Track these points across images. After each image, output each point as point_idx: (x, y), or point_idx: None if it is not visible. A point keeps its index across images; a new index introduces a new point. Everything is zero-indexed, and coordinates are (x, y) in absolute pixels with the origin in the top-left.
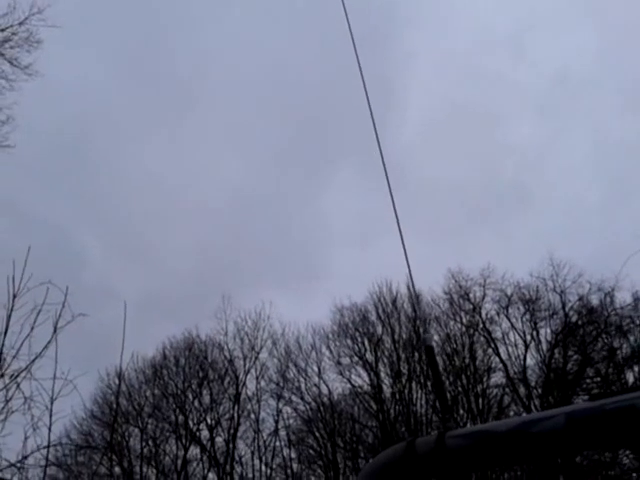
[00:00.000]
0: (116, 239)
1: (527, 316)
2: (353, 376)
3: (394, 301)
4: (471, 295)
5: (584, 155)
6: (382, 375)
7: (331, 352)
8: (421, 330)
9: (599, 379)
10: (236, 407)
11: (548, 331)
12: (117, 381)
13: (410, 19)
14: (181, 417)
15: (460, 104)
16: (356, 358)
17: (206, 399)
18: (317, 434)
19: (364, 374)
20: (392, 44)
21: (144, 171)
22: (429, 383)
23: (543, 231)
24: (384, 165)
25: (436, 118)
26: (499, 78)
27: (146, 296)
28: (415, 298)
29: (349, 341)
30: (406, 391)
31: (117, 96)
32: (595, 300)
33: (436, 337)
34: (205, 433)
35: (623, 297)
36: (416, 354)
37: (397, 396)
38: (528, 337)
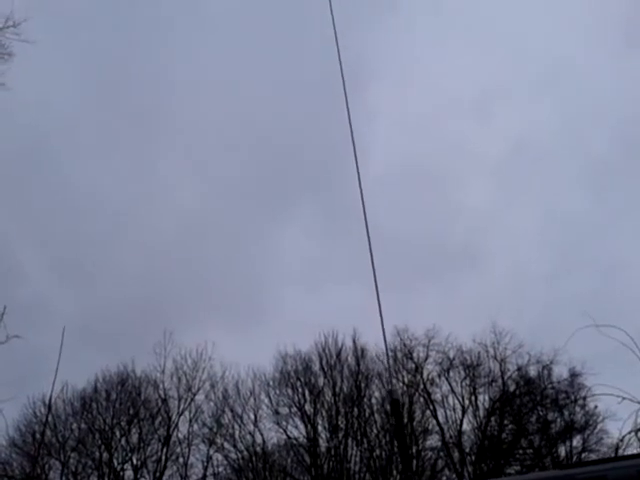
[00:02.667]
0: (58, 258)
1: (467, 381)
2: (290, 427)
3: (339, 353)
4: (414, 354)
5: (533, 225)
6: (319, 428)
7: (270, 400)
8: (388, 384)
9: (532, 451)
10: (165, 449)
11: (486, 398)
12: (43, 409)
13: (376, 75)
14: (106, 454)
15: (418, 162)
16: (295, 409)
17: (134, 438)
18: None
19: (301, 426)
20: (356, 97)
21: (96, 191)
22: (365, 440)
23: (488, 295)
24: (367, 226)
25: (393, 173)
26: (459, 141)
27: (83, 321)
28: (386, 350)
29: (289, 390)
30: (342, 447)
31: (79, 114)
32: (533, 371)
33: (377, 394)
34: (129, 473)
35: (560, 371)
36: (355, 410)
37: (332, 451)
38: (466, 402)
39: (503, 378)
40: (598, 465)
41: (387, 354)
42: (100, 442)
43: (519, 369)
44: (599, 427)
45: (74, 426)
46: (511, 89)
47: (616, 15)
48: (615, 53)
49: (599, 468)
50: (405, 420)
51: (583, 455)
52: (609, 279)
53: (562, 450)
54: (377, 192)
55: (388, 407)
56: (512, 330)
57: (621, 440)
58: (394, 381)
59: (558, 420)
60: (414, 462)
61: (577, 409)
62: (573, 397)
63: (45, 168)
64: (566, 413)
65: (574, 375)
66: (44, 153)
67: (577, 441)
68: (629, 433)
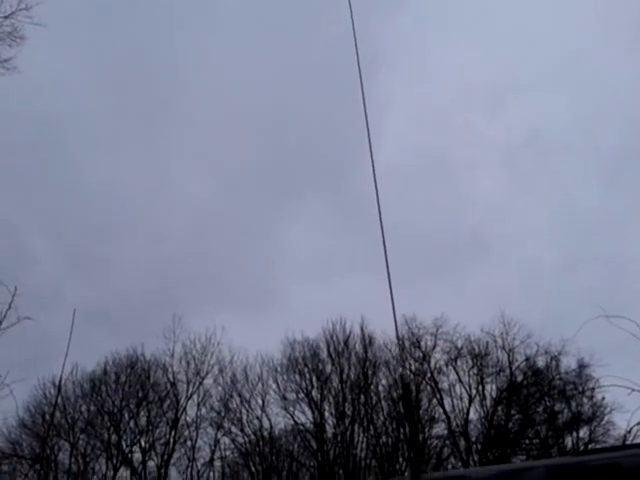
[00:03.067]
0: (70, 244)
1: (474, 370)
2: (297, 412)
3: (346, 341)
4: (422, 343)
5: (545, 216)
6: (326, 414)
7: (278, 385)
8: (399, 368)
9: (538, 441)
10: (173, 432)
11: (494, 387)
12: (53, 391)
13: (389, 67)
14: (114, 436)
15: (429, 153)
16: (302, 394)
17: (142, 420)
18: (253, 469)
19: (308, 411)
20: (371, 86)
21: (110, 179)
22: (372, 427)
23: (498, 286)
24: (380, 213)
25: (404, 163)
26: (471, 131)
27: (94, 306)
28: (397, 334)
29: (297, 376)
30: (348, 433)
31: (93, 102)
32: (541, 362)
33: (384, 381)
34: (138, 455)
35: (569, 362)
36: (362, 397)
37: (339, 437)
38: (473, 391)
39: (511, 368)
40: (612, 452)
41: (398, 338)
42: (109, 424)
43: (527, 359)
44: (606, 419)
45: (83, 408)
46: (524, 81)
47: (632, 10)
48: (627, 46)
49: (613, 455)
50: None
51: (590, 446)
52: (618, 272)
53: (569, 441)
54: (387, 183)
55: (395, 394)
56: (521, 320)
57: (629, 431)
58: (406, 366)
59: (565, 411)
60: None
61: (584, 400)
62: (581, 388)
63: (59, 154)
64: (573, 404)
65: (582, 366)
66: (58, 140)
67: (584, 432)
68: (637, 424)
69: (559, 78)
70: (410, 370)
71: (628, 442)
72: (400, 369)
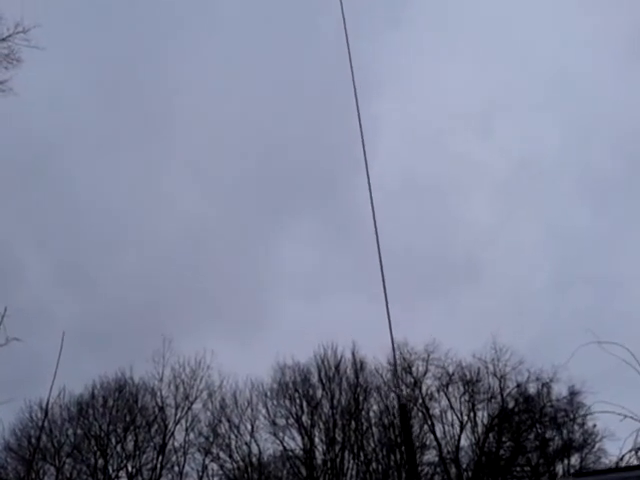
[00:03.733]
0: (58, 262)
1: (466, 397)
2: (287, 438)
3: (337, 366)
4: (414, 369)
5: (535, 240)
6: (316, 440)
7: (267, 411)
8: (396, 389)
9: (529, 468)
10: (160, 457)
11: (485, 414)
12: (39, 414)
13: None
14: (101, 461)
15: (421, 176)
16: (292, 420)
17: (130, 445)
18: None
19: (298, 437)
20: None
21: (99, 195)
22: (362, 454)
23: (489, 310)
24: (377, 235)
25: (396, 186)
26: (462, 154)
27: (81, 325)
28: (394, 355)
29: (287, 401)
30: (338, 460)
31: (85, 116)
32: (532, 389)
33: (375, 407)
34: None
35: (560, 389)
36: (353, 423)
37: (329, 464)
38: (465, 418)
39: (502, 395)
40: (612, 474)
41: (395, 359)
42: (96, 448)
43: (518, 386)
44: (597, 446)
45: (70, 431)
46: (514, 104)
47: (619, 30)
48: (618, 68)
49: (612, 477)
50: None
51: None
52: (610, 295)
53: (560, 468)
54: (379, 204)
55: (386, 420)
56: (512, 347)
57: (621, 459)
58: (401, 387)
59: (556, 438)
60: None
61: (576, 427)
62: (572, 415)
63: (48, 171)
64: (564, 431)
65: (573, 393)
66: (48, 156)
67: (575, 459)
68: (629, 452)
69: (549, 100)
70: (401, 397)
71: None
72: (397, 390)
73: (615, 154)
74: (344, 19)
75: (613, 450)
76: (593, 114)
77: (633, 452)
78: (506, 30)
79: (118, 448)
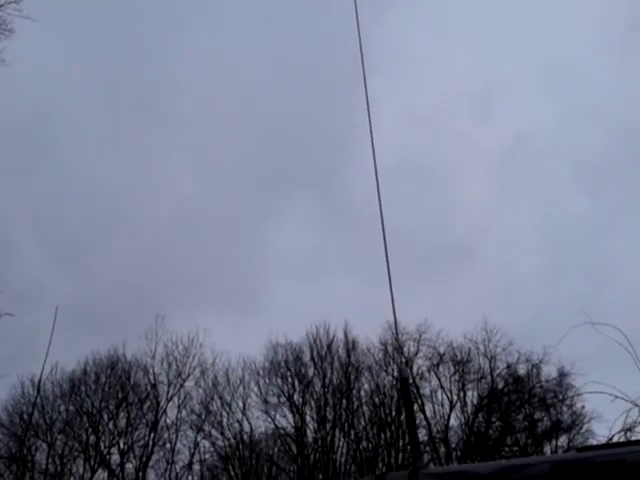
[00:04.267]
0: (53, 241)
1: (456, 377)
2: (278, 416)
3: (330, 345)
4: (405, 349)
5: (530, 223)
6: (307, 419)
7: (259, 389)
8: (398, 362)
9: (517, 449)
10: (152, 434)
11: (475, 394)
12: (32, 390)
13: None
14: (93, 437)
15: (417, 157)
16: (283, 398)
17: (122, 422)
18: (232, 472)
19: (289, 415)
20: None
21: (94, 175)
22: (352, 432)
23: (481, 292)
24: (382, 216)
25: (392, 167)
26: (458, 137)
27: (74, 303)
28: (396, 328)
29: (279, 380)
30: (329, 438)
31: (82, 96)
32: (522, 370)
33: (366, 386)
34: (116, 457)
35: (549, 370)
36: (344, 401)
37: (319, 442)
38: (454, 398)
39: (492, 375)
40: (617, 448)
41: (396, 332)
42: (87, 425)
43: (508, 367)
44: (585, 427)
45: (62, 408)
46: (512, 86)
47: (618, 15)
48: (616, 53)
49: (618, 451)
50: (393, 413)
51: None
52: (604, 281)
53: (548, 449)
54: (374, 185)
55: (376, 400)
56: (503, 328)
57: (610, 439)
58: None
59: (545, 419)
60: (400, 455)
61: (564, 409)
62: (561, 396)
63: (43, 149)
64: (553, 412)
65: (563, 375)
66: (43, 134)
67: (563, 440)
68: (619, 432)
69: (547, 83)
70: (392, 376)
71: None
72: (399, 364)
73: (613, 139)
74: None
75: (601, 431)
76: (590, 99)
77: (622, 432)
78: (505, 15)
79: (110, 425)
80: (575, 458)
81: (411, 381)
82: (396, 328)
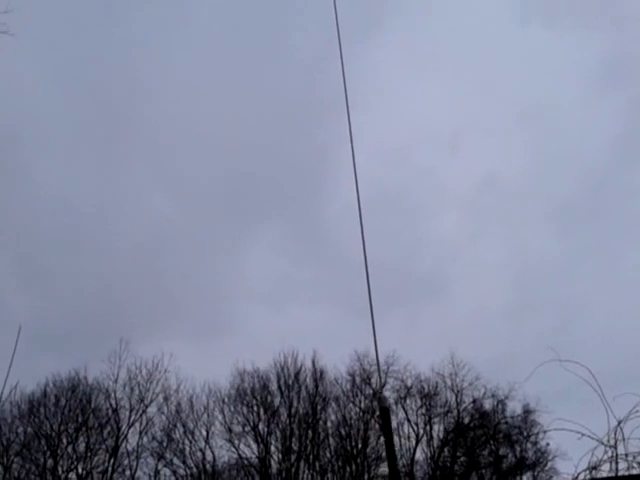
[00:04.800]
0: (16, 257)
1: (423, 410)
2: (242, 445)
3: (297, 374)
4: (373, 380)
5: (498, 259)
6: (272, 449)
7: (224, 417)
8: (378, 391)
9: None
10: (112, 460)
11: (441, 428)
12: None
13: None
14: (51, 461)
15: (389, 191)
16: (248, 427)
17: (81, 446)
18: None
19: (254, 445)
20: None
21: (63, 191)
22: (317, 464)
23: (450, 326)
24: (364, 246)
25: (363, 199)
26: (430, 173)
27: (37, 323)
28: (377, 357)
29: (244, 408)
30: (293, 470)
31: (50, 113)
32: (488, 405)
33: (333, 417)
34: None
35: (514, 407)
36: (310, 432)
37: (284, 474)
38: (421, 431)
39: (458, 409)
40: None
41: (377, 361)
42: (46, 448)
43: (474, 401)
44: (549, 465)
45: (20, 430)
46: (483, 125)
47: (591, 62)
48: (586, 98)
49: None
50: (360, 445)
51: None
52: (569, 318)
53: None
54: (347, 215)
55: (343, 431)
56: (470, 362)
57: (575, 478)
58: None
59: (510, 455)
60: None
61: (529, 446)
62: (526, 433)
63: (8, 164)
64: (518, 449)
65: (527, 411)
66: (10, 149)
67: (527, 478)
68: (585, 470)
69: (518, 125)
70: (359, 407)
71: None
72: (379, 392)
73: (581, 180)
74: (337, 20)
75: (564, 469)
76: (562, 140)
77: (588, 471)
78: (480, 56)
79: (69, 449)
80: None
81: (377, 413)
82: (377, 358)
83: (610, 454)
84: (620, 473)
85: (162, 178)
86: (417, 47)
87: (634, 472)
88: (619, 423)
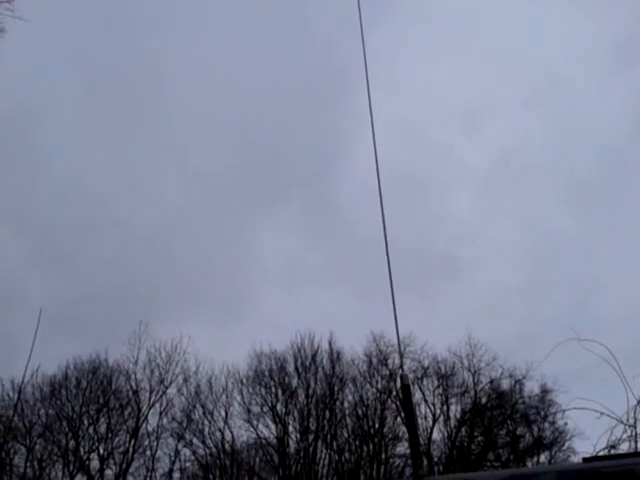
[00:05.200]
0: (36, 243)
1: (440, 390)
2: (260, 426)
3: (314, 355)
4: (389, 361)
5: (515, 238)
6: (290, 429)
7: (242, 398)
8: (399, 369)
9: (499, 464)
10: (133, 441)
11: (458, 408)
12: (12, 393)
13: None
14: (72, 442)
15: (405, 169)
16: (267, 408)
17: (102, 428)
18: None
19: (272, 425)
20: (346, 97)
21: (78, 178)
22: (335, 443)
23: (466, 306)
24: (384, 228)
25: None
26: (446, 151)
27: (57, 306)
28: (397, 335)
29: (262, 389)
30: (311, 449)
31: (68, 98)
32: (505, 385)
33: (350, 398)
34: (95, 463)
35: (532, 386)
36: (327, 412)
37: (302, 453)
38: (438, 411)
39: (475, 390)
40: (625, 459)
41: (398, 339)
42: (67, 430)
43: (491, 382)
44: (567, 444)
45: (42, 412)
46: (500, 102)
47: (606, 36)
48: (604, 73)
49: (627, 462)
50: (377, 425)
51: None
52: (586, 297)
53: (529, 465)
54: (362, 196)
55: (360, 411)
56: (487, 343)
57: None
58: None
59: (527, 435)
60: (382, 468)
61: (546, 425)
62: (543, 413)
63: (27, 149)
64: (535, 429)
65: (545, 391)
66: (28, 134)
67: (544, 457)
68: (603, 449)
69: (535, 101)
70: (376, 388)
71: None
72: (400, 370)
73: (598, 159)
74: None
75: (583, 448)
76: (578, 118)
77: (607, 449)
78: (496, 32)
79: (90, 430)
80: (582, 468)
81: (394, 393)
82: (398, 336)
83: (630, 433)
84: None
85: (177, 161)
86: (434, 25)
87: None
88: (639, 402)
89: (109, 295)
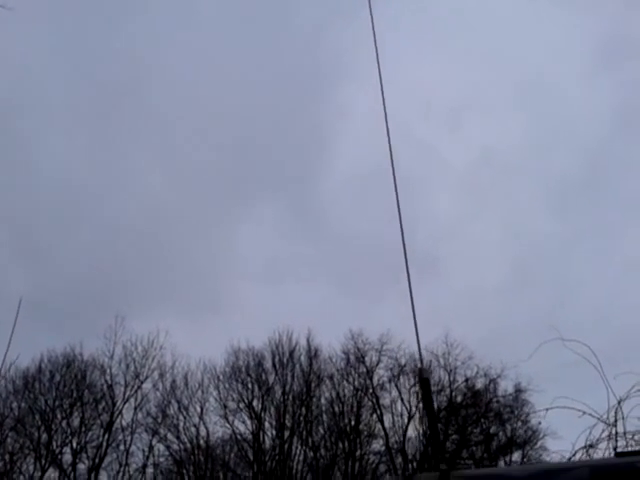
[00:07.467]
0: (13, 233)
1: (415, 388)
2: (236, 422)
3: (292, 352)
4: (367, 359)
5: (494, 237)
6: (266, 425)
7: (219, 393)
8: (418, 364)
9: (472, 462)
10: (106, 435)
11: (434, 406)
12: None
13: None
14: (45, 436)
15: (386, 164)
16: (243, 404)
17: (76, 422)
18: (187, 477)
19: (248, 421)
20: (330, 95)
21: (60, 168)
22: (310, 440)
23: (444, 305)
24: (402, 229)
25: (360, 174)
26: (428, 147)
27: (32, 298)
28: (415, 325)
29: (239, 385)
30: (287, 445)
31: (50, 88)
32: (480, 384)
33: (327, 395)
34: (68, 457)
35: (506, 386)
36: (303, 409)
37: (277, 449)
38: (413, 409)
39: (451, 388)
40: None
41: (416, 328)
42: (40, 423)
43: (467, 380)
44: (539, 444)
45: (14, 405)
46: (483, 101)
47: (590, 35)
48: (587, 73)
49: None
50: (352, 422)
51: None
52: (565, 296)
53: (502, 464)
54: (343, 191)
55: (336, 409)
56: (463, 341)
57: (574, 455)
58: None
59: (500, 434)
60: (356, 465)
61: (519, 424)
62: (517, 412)
63: (7, 140)
64: (508, 427)
65: (519, 391)
66: (7, 124)
67: (517, 456)
68: (582, 448)
69: (517, 100)
70: (353, 385)
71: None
72: (420, 364)
73: (579, 159)
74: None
75: (554, 447)
76: (560, 118)
77: (585, 449)
78: (479, 31)
79: (63, 424)
80: (616, 463)
81: (371, 391)
82: (416, 329)
83: (608, 432)
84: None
85: (159, 156)
86: (417, 24)
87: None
88: (620, 401)
89: (86, 288)
